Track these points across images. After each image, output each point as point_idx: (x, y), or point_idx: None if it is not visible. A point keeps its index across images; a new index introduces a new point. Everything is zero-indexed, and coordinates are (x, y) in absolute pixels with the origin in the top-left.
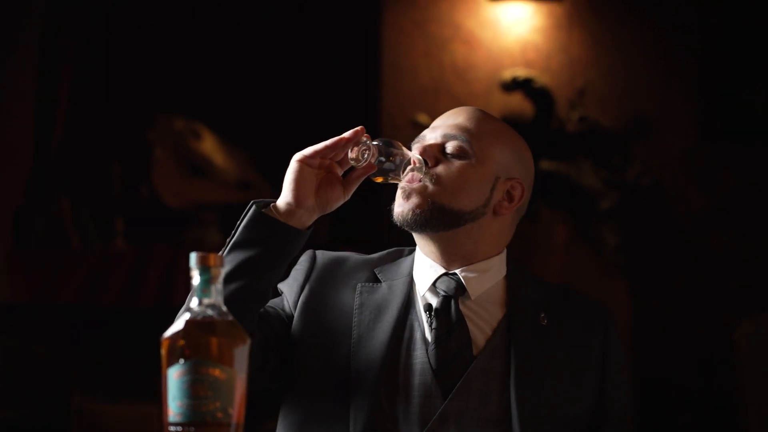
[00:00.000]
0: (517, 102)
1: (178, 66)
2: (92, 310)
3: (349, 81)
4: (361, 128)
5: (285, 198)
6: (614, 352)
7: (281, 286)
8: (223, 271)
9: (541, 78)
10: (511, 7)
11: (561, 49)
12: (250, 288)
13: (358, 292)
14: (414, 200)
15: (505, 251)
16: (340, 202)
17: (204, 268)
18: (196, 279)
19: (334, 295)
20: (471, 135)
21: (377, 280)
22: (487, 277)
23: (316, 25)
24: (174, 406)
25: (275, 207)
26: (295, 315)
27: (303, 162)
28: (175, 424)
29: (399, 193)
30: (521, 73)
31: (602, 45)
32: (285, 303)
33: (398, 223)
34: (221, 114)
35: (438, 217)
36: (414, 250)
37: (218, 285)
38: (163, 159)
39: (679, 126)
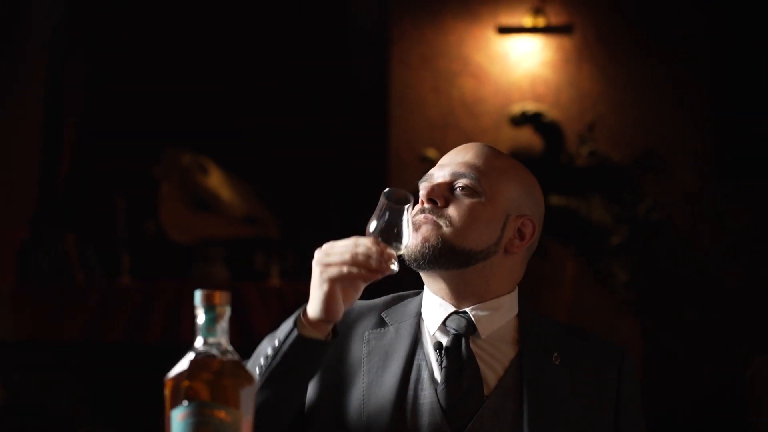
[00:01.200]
0: (527, 136)
1: (185, 101)
2: (98, 345)
3: (358, 116)
4: (390, 254)
5: (318, 314)
6: (629, 391)
7: None
8: (259, 383)
9: (551, 112)
10: (519, 40)
11: (570, 83)
12: (284, 398)
13: (366, 340)
14: (424, 234)
15: (516, 289)
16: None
17: (209, 307)
18: (200, 317)
19: (343, 347)
20: (480, 172)
21: (384, 324)
22: (498, 316)
23: (324, 62)
24: None
25: (308, 320)
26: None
27: (337, 282)
28: None
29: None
30: (530, 107)
31: (612, 79)
32: None
33: (407, 260)
34: (228, 149)
35: (448, 256)
36: (419, 292)
37: (223, 323)
38: (170, 194)
39: (689, 161)
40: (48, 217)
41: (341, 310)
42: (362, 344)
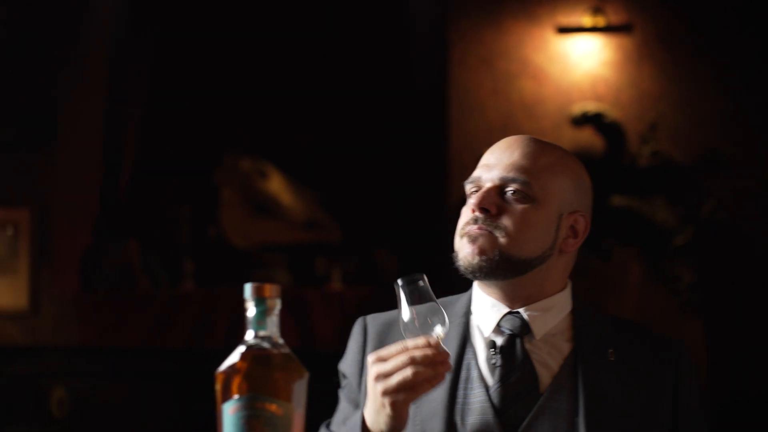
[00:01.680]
0: (588, 137)
1: (245, 107)
2: (161, 351)
3: (417, 120)
4: (446, 353)
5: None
6: (688, 386)
7: (343, 368)
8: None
9: (612, 112)
10: (579, 40)
11: (631, 83)
12: None
13: None
14: (480, 246)
15: (569, 285)
16: None
17: (259, 299)
18: (251, 311)
19: None
20: (530, 174)
21: None
22: (552, 315)
23: (383, 65)
24: None
25: None
26: (362, 393)
27: (405, 404)
28: None
29: (464, 241)
30: (591, 107)
31: (673, 78)
32: (347, 402)
33: (462, 271)
34: (288, 154)
35: (506, 267)
36: (465, 292)
37: (274, 317)
38: (230, 200)
39: (753, 159)
40: (110, 224)
41: (407, 419)
42: None
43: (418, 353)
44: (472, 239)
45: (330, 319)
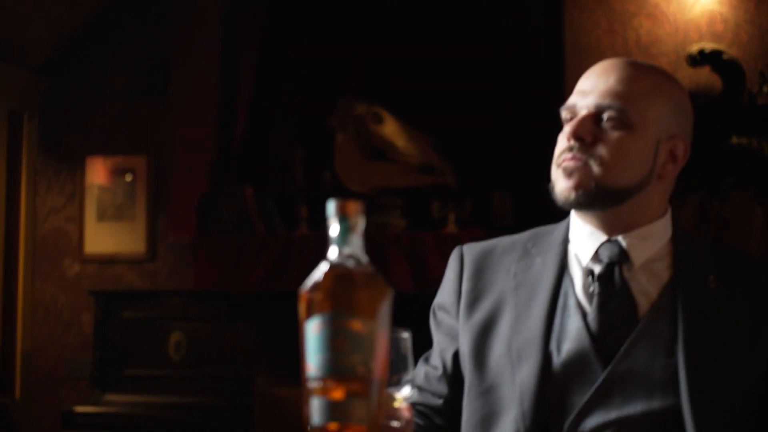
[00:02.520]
0: (705, 76)
1: (359, 51)
2: (276, 295)
3: (532, 62)
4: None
5: None
6: None
7: (440, 300)
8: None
9: (730, 51)
10: None
11: (750, 21)
12: None
13: (512, 273)
14: (577, 179)
15: (669, 211)
16: None
17: (343, 217)
18: (334, 228)
19: (490, 286)
20: (626, 100)
21: (530, 256)
22: (651, 242)
23: (497, 7)
24: (312, 360)
25: None
26: (460, 322)
27: None
28: (314, 380)
29: (559, 173)
30: (708, 46)
31: None
32: (443, 334)
33: (559, 203)
34: (402, 98)
35: (603, 198)
36: (562, 220)
37: (358, 235)
38: (345, 144)
39: None
40: (226, 170)
41: None
42: (509, 279)
43: None
44: (568, 173)
45: (445, 263)
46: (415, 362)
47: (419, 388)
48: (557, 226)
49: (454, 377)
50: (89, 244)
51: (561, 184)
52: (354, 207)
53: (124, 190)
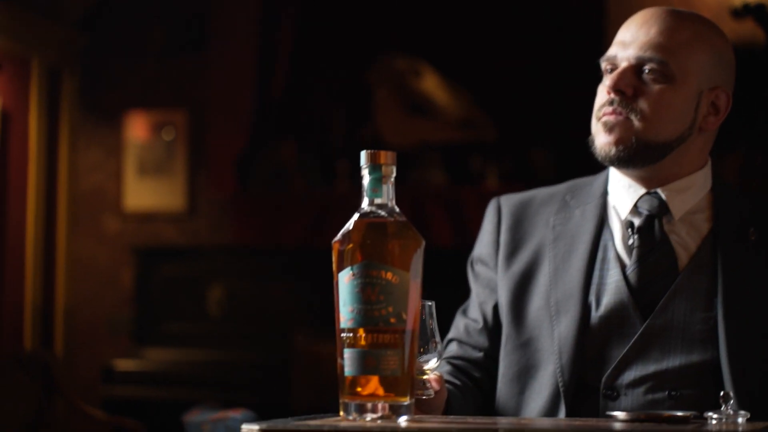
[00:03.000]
0: (749, 29)
1: (398, 5)
2: (315, 251)
3: (573, 9)
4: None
5: None
6: None
7: (478, 252)
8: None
9: None
10: None
11: None
12: None
13: (551, 225)
14: (617, 134)
15: (709, 163)
16: None
17: (374, 167)
18: (366, 178)
19: (528, 237)
20: (667, 52)
21: (569, 207)
22: (691, 194)
23: None
24: (345, 311)
25: None
26: (498, 274)
27: None
28: (347, 330)
29: (599, 127)
30: None
31: None
32: (482, 287)
33: (599, 158)
34: (442, 52)
35: (644, 153)
36: (601, 173)
37: (390, 184)
38: (385, 99)
39: None
40: (266, 125)
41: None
42: (547, 231)
43: None
44: (608, 128)
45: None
46: (447, 326)
47: (459, 342)
48: (596, 177)
49: (494, 330)
50: (129, 200)
51: (601, 139)
52: (386, 156)
53: (163, 146)
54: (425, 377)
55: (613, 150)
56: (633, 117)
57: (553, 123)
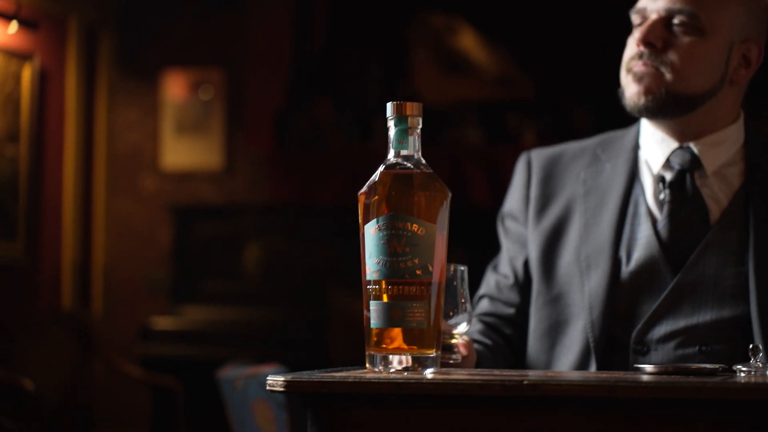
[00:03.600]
0: None
1: None
2: (352, 209)
3: None
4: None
5: None
6: None
7: (508, 207)
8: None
9: None
10: None
11: None
12: None
13: (582, 179)
14: (646, 84)
15: (741, 116)
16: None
17: (400, 118)
18: (392, 129)
19: (559, 192)
20: (697, 5)
21: (600, 161)
22: (723, 149)
23: None
24: (371, 263)
25: None
26: (529, 229)
27: None
28: (373, 282)
29: (629, 78)
30: None
31: None
32: (513, 242)
33: (629, 109)
34: (479, 9)
35: (673, 104)
36: (632, 126)
37: (416, 136)
38: (422, 57)
39: None
40: (303, 83)
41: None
42: (578, 185)
43: None
44: (638, 78)
45: None
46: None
47: (490, 298)
48: (627, 131)
49: (525, 285)
50: (166, 159)
51: (631, 89)
52: (412, 108)
53: (200, 104)
54: (453, 341)
55: (642, 100)
56: (663, 69)
57: (592, 79)
